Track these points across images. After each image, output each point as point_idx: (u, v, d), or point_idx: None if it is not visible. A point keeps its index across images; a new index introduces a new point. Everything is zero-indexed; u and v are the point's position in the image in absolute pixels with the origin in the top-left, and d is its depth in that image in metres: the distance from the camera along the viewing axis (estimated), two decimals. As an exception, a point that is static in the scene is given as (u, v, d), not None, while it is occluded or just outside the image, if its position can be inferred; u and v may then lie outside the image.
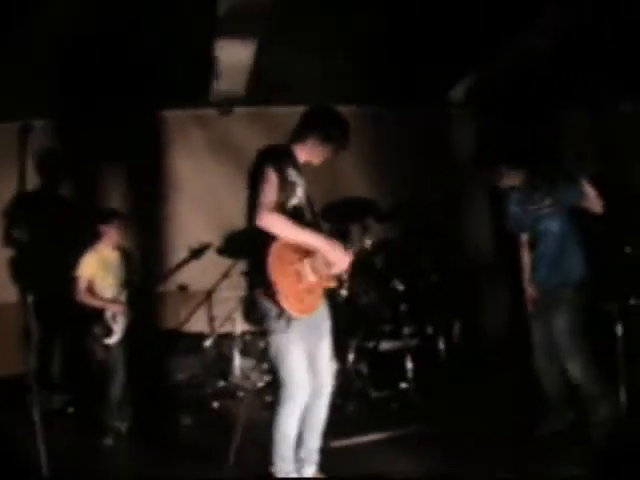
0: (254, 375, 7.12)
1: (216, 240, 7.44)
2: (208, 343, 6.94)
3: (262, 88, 7.20)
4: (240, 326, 7.35)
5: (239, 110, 7.84)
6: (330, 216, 7.81)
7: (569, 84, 6.81)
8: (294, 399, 4.00)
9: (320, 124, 4.26)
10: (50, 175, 7.41)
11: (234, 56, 6.16)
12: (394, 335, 6.60)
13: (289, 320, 3.89)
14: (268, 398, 6.68)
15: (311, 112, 4.35)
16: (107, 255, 6.08)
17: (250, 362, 7.16)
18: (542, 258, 5.01)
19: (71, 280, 6.05)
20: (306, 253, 4.04)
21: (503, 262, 6.76)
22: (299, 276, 3.96)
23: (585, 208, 4.88)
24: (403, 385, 6.35)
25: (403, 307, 6.60)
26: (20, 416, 5.75)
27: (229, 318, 7.30)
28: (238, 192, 7.65)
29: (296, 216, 4.04)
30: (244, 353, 7.18)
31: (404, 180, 7.92)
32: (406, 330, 6.53)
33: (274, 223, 3.87)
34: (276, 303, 3.86)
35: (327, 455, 4.99)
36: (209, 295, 7.08)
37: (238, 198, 7.64)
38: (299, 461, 4.24)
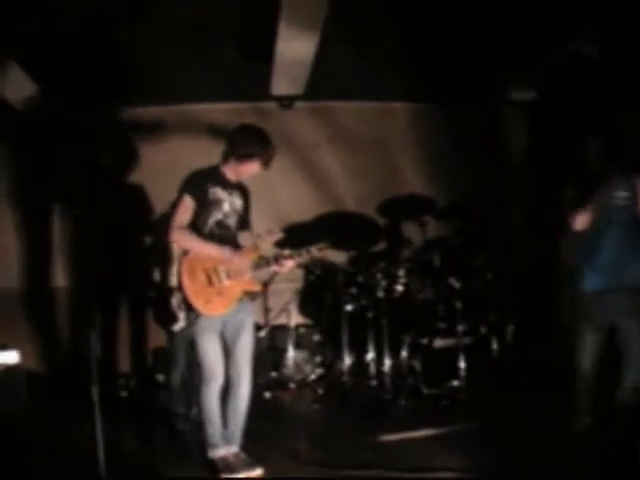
0: (307, 367, 7.18)
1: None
2: (262, 334, 6.99)
3: (321, 84, 7.21)
4: (295, 318, 7.41)
5: (300, 104, 7.88)
6: (387, 212, 7.86)
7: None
8: (210, 380, 4.59)
9: (235, 144, 4.69)
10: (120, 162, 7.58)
11: (295, 51, 6.19)
12: (448, 333, 6.58)
13: (197, 315, 4.51)
14: (320, 390, 6.75)
15: (230, 133, 4.76)
16: (172, 244, 6.19)
17: (303, 354, 7.21)
18: (602, 254, 4.81)
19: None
20: (221, 260, 4.60)
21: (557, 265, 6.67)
22: (210, 280, 4.55)
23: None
24: (455, 383, 6.34)
25: (458, 305, 6.58)
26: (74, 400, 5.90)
27: (284, 310, 7.37)
28: (295, 186, 7.86)
29: (219, 228, 4.67)
30: (298, 345, 7.24)
31: (460, 177, 7.86)
32: (460, 328, 6.50)
33: (180, 239, 4.56)
34: (185, 300, 4.50)
35: (377, 449, 5.08)
36: (265, 287, 7.13)
37: (295, 191, 7.83)
38: (224, 438, 4.69)
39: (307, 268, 7.35)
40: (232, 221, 4.74)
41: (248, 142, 4.64)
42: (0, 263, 7.53)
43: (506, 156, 8.23)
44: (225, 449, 4.63)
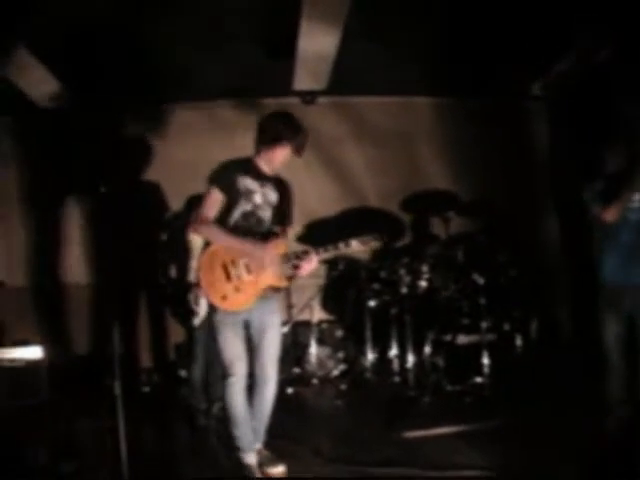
0: (330, 363, 7.16)
1: (296, 227, 7.53)
2: (285, 330, 6.97)
3: (344, 79, 7.18)
4: (317, 314, 7.39)
5: (322, 100, 7.85)
6: (410, 208, 7.84)
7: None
8: (228, 376, 4.45)
9: (265, 130, 4.56)
10: (136, 159, 7.60)
11: (317, 46, 6.16)
12: (472, 329, 6.54)
13: (216, 310, 4.43)
14: (343, 386, 6.74)
15: (260, 120, 4.63)
16: (190, 239, 6.19)
17: (326, 350, 7.20)
18: (616, 252, 4.78)
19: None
20: (242, 254, 4.45)
21: (578, 259, 6.61)
22: (228, 275, 4.42)
23: None
24: (478, 379, 6.29)
25: (482, 301, 6.53)
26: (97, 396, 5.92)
27: (307, 306, 7.35)
28: (319, 181, 7.83)
29: (246, 220, 4.51)
30: (320, 341, 7.23)
31: (483, 172, 7.80)
32: (484, 324, 6.45)
33: (202, 231, 4.49)
34: (205, 296, 4.51)
35: (400, 445, 5.05)
36: (288, 282, 7.10)
37: (319, 187, 7.82)
38: (252, 441, 4.59)
39: (330, 264, 7.33)
40: (265, 214, 4.59)
41: (278, 126, 4.51)
42: (19, 260, 7.61)
43: (530, 151, 8.16)
44: (252, 455, 4.53)
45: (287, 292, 7.19)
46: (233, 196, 4.47)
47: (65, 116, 7.41)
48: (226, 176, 4.48)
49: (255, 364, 4.58)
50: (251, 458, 4.52)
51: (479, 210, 7.70)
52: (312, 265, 4.53)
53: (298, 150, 4.57)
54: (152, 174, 7.61)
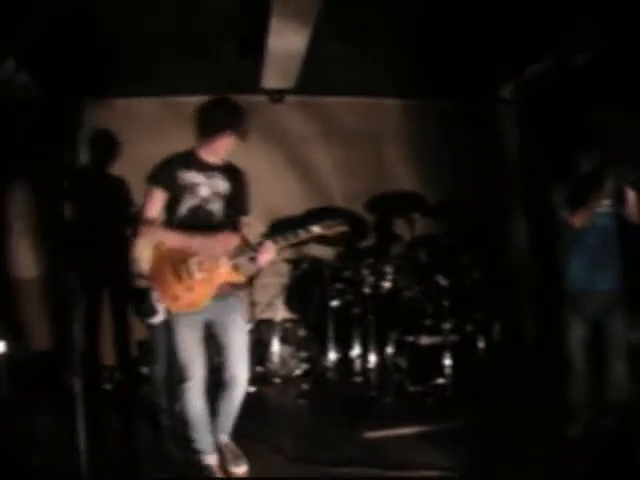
0: (292, 362, 7.16)
1: (262, 226, 7.50)
2: (248, 328, 6.95)
3: (312, 79, 7.17)
4: (281, 313, 7.38)
5: (290, 98, 7.83)
6: (376, 209, 7.86)
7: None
8: (185, 379, 4.33)
9: (203, 122, 4.35)
10: (102, 154, 7.50)
11: (287, 44, 6.14)
12: (434, 330, 6.57)
13: (169, 313, 4.31)
14: (305, 386, 6.73)
15: (196, 111, 4.39)
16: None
17: (289, 349, 7.20)
18: (582, 257, 4.91)
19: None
20: (192, 252, 4.27)
21: (543, 263, 6.68)
22: (178, 275, 4.25)
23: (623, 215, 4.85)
24: (440, 380, 6.33)
25: (445, 303, 6.57)
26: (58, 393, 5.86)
27: (270, 304, 7.34)
28: (285, 180, 7.82)
29: (194, 215, 4.33)
30: (283, 340, 7.22)
31: (450, 175, 7.82)
32: (446, 326, 6.50)
33: (147, 233, 4.32)
34: (157, 298, 4.32)
35: (361, 445, 5.07)
36: (251, 281, 7.11)
37: (284, 185, 7.80)
38: (214, 429, 4.55)
39: (294, 263, 7.33)
40: (215, 206, 4.39)
41: (216, 117, 4.29)
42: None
43: (498, 154, 8.21)
44: (213, 457, 4.49)
45: (250, 290, 7.18)
46: (176, 192, 4.30)
47: (23, 104, 7.22)
48: (166, 173, 4.31)
49: (224, 364, 4.46)
50: (211, 459, 4.49)
51: (445, 212, 7.75)
52: (269, 255, 4.30)
53: (242, 137, 4.36)
54: (118, 169, 7.50)
